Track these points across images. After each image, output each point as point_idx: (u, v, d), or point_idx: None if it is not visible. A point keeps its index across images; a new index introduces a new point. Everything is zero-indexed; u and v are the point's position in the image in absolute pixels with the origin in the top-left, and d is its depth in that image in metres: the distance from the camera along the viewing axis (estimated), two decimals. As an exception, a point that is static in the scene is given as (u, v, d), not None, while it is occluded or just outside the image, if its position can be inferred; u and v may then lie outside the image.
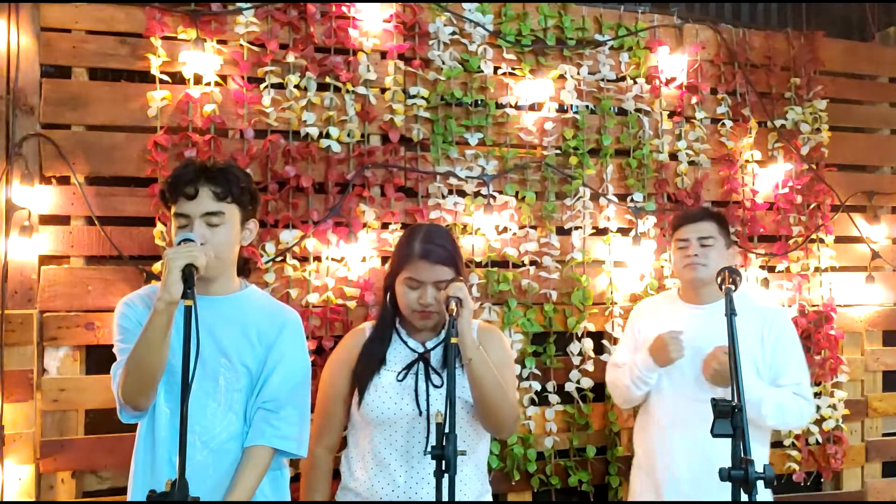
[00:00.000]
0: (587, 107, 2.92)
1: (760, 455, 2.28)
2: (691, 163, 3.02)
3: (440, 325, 1.94)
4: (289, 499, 1.93)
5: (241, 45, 2.55)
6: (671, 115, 3.03)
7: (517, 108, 2.84)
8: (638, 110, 2.96)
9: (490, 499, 2.03)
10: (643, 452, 2.40)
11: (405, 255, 1.90)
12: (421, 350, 1.93)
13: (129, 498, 1.79)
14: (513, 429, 1.96)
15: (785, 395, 2.21)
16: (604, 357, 2.82)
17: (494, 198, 2.72)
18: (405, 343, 1.95)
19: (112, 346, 1.81)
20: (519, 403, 2.10)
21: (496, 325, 2.43)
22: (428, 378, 1.88)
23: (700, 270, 2.28)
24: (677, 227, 2.38)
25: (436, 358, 1.91)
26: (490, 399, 1.81)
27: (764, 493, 2.07)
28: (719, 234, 2.33)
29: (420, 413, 1.85)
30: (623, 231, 2.90)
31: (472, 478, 1.93)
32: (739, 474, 1.47)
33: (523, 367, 2.71)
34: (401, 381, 1.89)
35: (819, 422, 3.04)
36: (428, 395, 1.86)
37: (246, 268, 1.95)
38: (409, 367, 1.89)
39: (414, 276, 1.87)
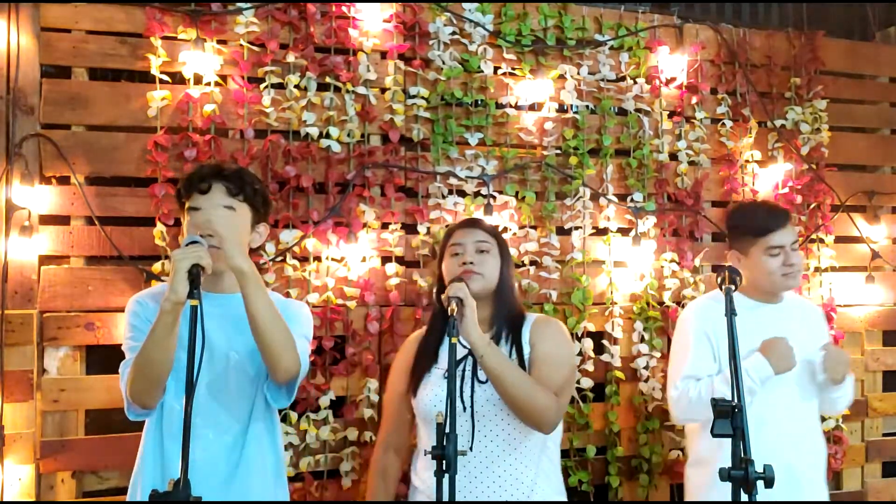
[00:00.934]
0: (587, 107, 2.92)
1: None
2: (691, 163, 3.02)
3: (486, 301, 1.95)
4: (282, 452, 1.94)
5: (241, 45, 2.55)
6: (671, 115, 3.03)
7: (517, 108, 2.84)
8: (638, 110, 2.96)
9: (555, 497, 1.96)
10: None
11: (447, 234, 2.07)
12: (470, 347, 1.94)
13: (136, 494, 1.78)
14: (550, 421, 1.86)
15: (850, 382, 2.27)
16: (604, 357, 2.82)
17: (494, 198, 2.72)
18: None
19: (116, 344, 1.82)
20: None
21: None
22: (474, 374, 1.89)
23: (799, 279, 2.19)
24: (766, 231, 2.16)
25: (448, 356, 1.91)
26: (511, 394, 1.80)
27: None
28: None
29: (464, 409, 1.87)
30: (623, 231, 2.90)
31: (522, 473, 1.90)
32: (739, 474, 1.47)
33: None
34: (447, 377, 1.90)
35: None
36: (473, 391, 1.87)
37: None
38: (457, 364, 1.89)
39: (456, 240, 2.00)
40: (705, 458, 2.19)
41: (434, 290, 2.07)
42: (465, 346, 1.92)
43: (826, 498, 2.24)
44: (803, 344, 2.14)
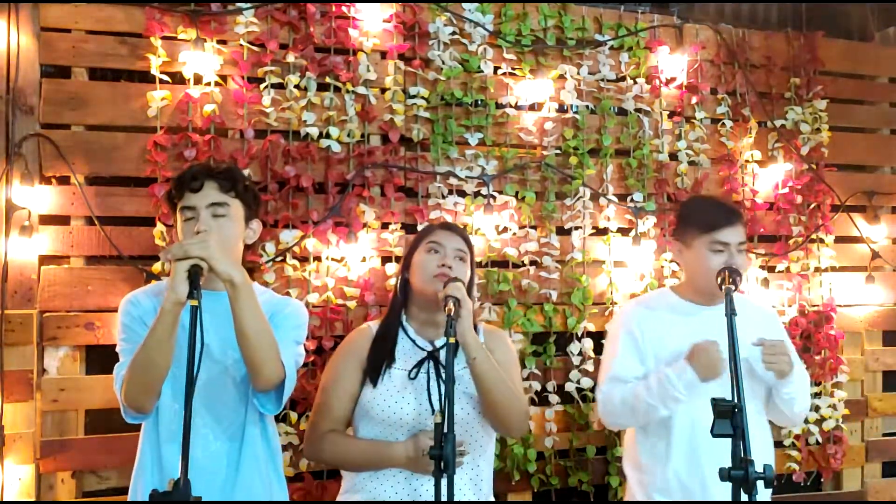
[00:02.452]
0: (587, 107, 2.92)
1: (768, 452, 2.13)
2: (691, 163, 3.02)
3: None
4: (280, 452, 1.90)
5: (241, 45, 2.55)
6: (671, 115, 3.03)
7: (517, 108, 2.84)
8: (638, 110, 2.96)
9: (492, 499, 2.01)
10: (662, 474, 2.07)
11: (425, 230, 2.03)
12: (429, 348, 1.92)
13: (134, 495, 1.78)
14: (522, 428, 1.93)
15: (804, 383, 2.11)
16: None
17: (494, 198, 2.72)
18: (413, 341, 1.95)
19: (114, 345, 1.81)
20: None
21: (497, 326, 2.39)
22: (438, 376, 1.88)
23: (738, 282, 1.99)
24: (716, 227, 2.06)
25: (445, 355, 1.89)
26: (496, 397, 1.81)
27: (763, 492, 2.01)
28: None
29: (433, 412, 1.84)
30: (623, 231, 2.90)
31: (486, 476, 1.93)
32: (739, 474, 1.47)
33: (524, 367, 2.71)
34: (413, 378, 1.88)
35: (819, 422, 3.04)
36: (440, 391, 1.86)
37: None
38: (419, 365, 1.89)
39: (435, 239, 1.95)
40: (645, 464, 2.12)
41: (397, 281, 2.00)
42: (423, 350, 1.91)
43: None
44: (747, 349, 1.94)
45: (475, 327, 1.96)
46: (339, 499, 1.98)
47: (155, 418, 1.75)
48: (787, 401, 2.07)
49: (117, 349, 1.77)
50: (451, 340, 1.59)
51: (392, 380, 1.89)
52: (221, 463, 1.75)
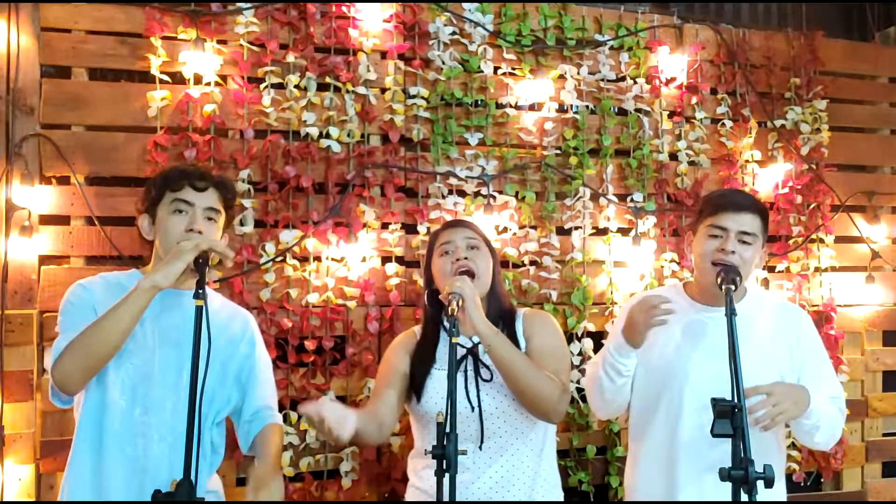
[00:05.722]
0: (587, 107, 2.92)
1: (780, 456, 2.01)
2: (691, 163, 3.02)
3: (481, 301, 1.89)
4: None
5: (241, 45, 2.55)
6: (671, 115, 3.03)
7: (517, 108, 2.84)
8: (638, 110, 2.96)
9: (554, 496, 1.98)
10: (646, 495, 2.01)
11: (433, 236, 2.04)
12: (469, 345, 1.93)
13: (65, 495, 1.72)
14: (558, 410, 1.87)
15: (832, 411, 1.90)
16: (604, 357, 2.82)
17: (494, 198, 2.72)
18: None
19: None
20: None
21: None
22: (477, 373, 1.89)
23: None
24: (716, 211, 1.93)
25: (483, 351, 1.91)
26: (520, 382, 1.81)
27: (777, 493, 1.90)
28: (761, 231, 1.94)
29: (472, 409, 1.86)
30: (623, 231, 2.90)
31: (522, 472, 1.90)
32: (739, 474, 1.47)
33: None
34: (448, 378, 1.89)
35: (819, 422, 3.04)
36: (478, 389, 1.88)
37: None
38: (459, 363, 1.89)
39: (445, 239, 1.98)
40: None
41: (425, 294, 2.01)
42: (463, 347, 1.92)
43: None
44: (768, 356, 1.92)
45: (514, 312, 2.01)
46: (406, 497, 2.01)
47: (100, 412, 1.69)
48: (805, 432, 1.89)
49: (57, 328, 1.71)
50: (454, 341, 1.59)
51: (434, 382, 1.92)
52: (164, 465, 1.70)
